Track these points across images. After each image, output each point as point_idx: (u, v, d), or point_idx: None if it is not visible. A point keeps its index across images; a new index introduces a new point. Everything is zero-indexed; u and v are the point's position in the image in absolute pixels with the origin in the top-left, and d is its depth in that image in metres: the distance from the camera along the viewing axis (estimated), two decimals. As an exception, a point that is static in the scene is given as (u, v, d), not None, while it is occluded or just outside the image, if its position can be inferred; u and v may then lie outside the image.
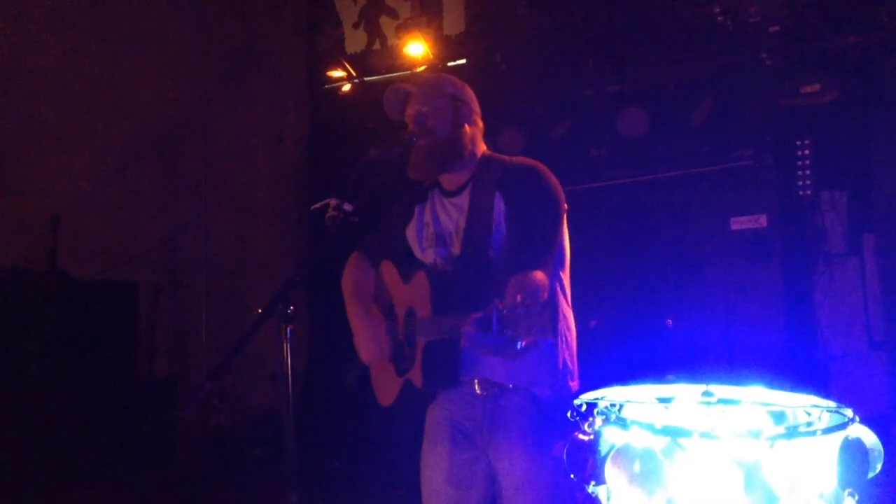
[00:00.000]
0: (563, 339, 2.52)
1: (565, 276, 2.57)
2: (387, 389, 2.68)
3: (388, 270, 2.77)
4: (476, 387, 2.49)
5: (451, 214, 2.58)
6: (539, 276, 2.25)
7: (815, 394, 1.59)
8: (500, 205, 2.46)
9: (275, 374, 2.24)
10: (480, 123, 2.65)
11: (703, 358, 5.02)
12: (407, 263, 2.70)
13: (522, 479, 2.42)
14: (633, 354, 4.73)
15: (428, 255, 2.63)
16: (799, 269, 5.20)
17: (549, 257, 2.37)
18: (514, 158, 2.58)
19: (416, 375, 2.48)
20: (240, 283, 6.82)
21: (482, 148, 2.64)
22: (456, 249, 2.54)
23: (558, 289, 2.53)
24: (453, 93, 2.57)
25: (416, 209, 2.70)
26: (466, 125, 2.57)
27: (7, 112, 5.65)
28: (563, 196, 2.49)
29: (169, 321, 6.45)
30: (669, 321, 5.35)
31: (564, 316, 2.55)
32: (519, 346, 1.92)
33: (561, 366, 2.49)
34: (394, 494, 5.06)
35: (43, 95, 5.84)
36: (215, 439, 6.26)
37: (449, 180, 2.62)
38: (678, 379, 1.68)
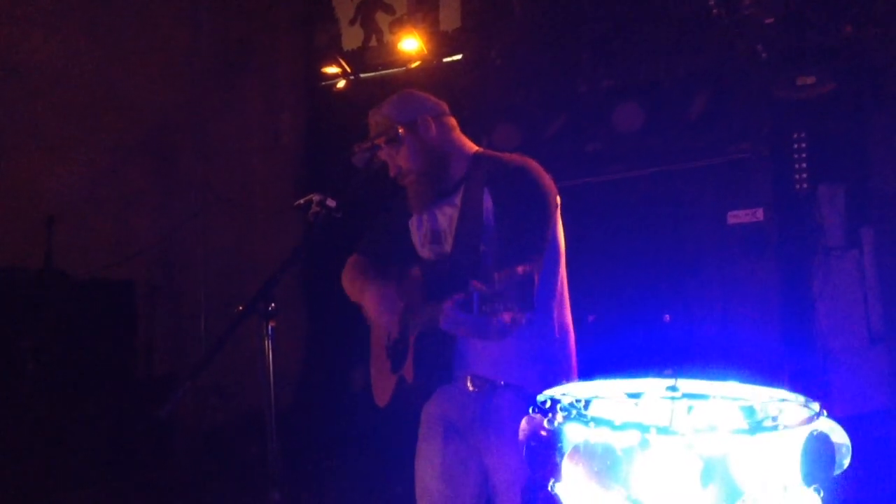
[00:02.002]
0: (560, 335, 2.50)
1: (561, 274, 2.54)
2: (383, 388, 2.66)
3: (387, 266, 2.75)
4: (468, 384, 2.48)
5: (445, 212, 2.57)
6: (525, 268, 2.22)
7: (811, 389, 1.56)
8: (488, 202, 2.44)
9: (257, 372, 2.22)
10: (450, 120, 2.62)
11: (701, 353, 5.00)
12: (406, 261, 2.69)
13: (514, 477, 2.40)
14: (630, 350, 4.72)
15: (424, 252, 2.63)
16: (796, 263, 5.17)
17: (536, 255, 2.33)
18: (505, 155, 2.55)
19: (407, 370, 2.47)
20: (237, 282, 6.81)
21: (468, 144, 2.62)
22: (448, 246, 2.54)
23: (556, 285, 2.51)
24: (406, 119, 2.52)
25: None
26: (433, 139, 2.53)
27: (2, 111, 5.65)
28: (553, 193, 2.45)
29: (166, 320, 6.44)
30: (667, 316, 5.33)
31: (561, 312, 2.53)
32: (501, 323, 1.90)
33: (555, 362, 2.47)
34: (392, 491, 5.05)
35: (38, 94, 5.83)
36: (214, 438, 6.27)
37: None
38: (676, 375, 1.65)
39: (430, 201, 2.57)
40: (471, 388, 2.47)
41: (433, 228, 2.60)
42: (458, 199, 2.53)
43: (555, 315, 2.50)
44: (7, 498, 4.70)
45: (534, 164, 2.47)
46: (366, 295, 2.55)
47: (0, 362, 5.04)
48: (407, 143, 2.50)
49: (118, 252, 6.00)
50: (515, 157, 2.52)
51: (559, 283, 2.53)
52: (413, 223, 2.69)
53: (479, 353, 2.45)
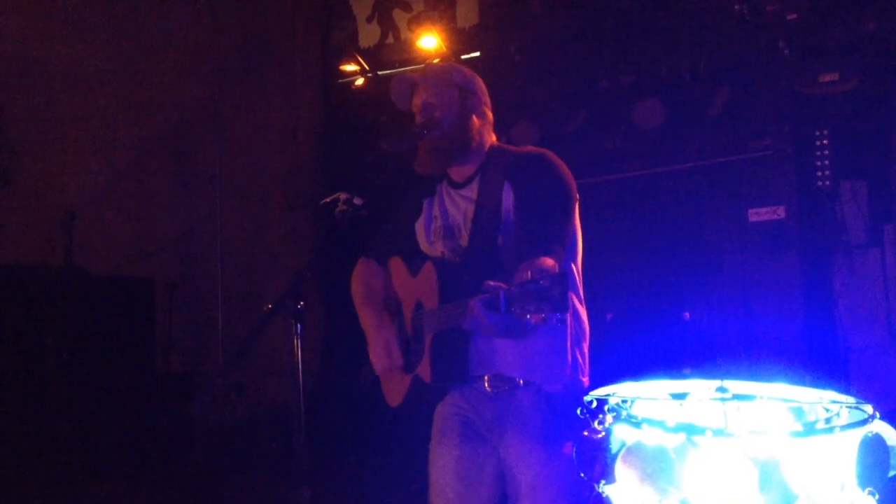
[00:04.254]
0: (574, 334, 2.47)
1: (577, 270, 2.51)
2: (395, 389, 2.64)
3: (397, 265, 2.74)
4: (486, 384, 2.45)
5: (459, 206, 2.55)
6: (549, 261, 2.15)
7: (835, 388, 1.54)
8: (508, 194, 2.41)
9: (284, 369, 2.22)
10: (490, 115, 2.61)
11: (721, 352, 4.96)
12: (416, 258, 2.67)
13: (536, 478, 2.37)
14: (649, 349, 4.69)
15: (436, 249, 2.60)
16: (818, 260, 5.12)
17: (559, 245, 2.29)
18: (523, 148, 2.54)
19: (424, 370, 2.43)
20: (255, 278, 6.84)
21: (491, 139, 2.60)
22: (464, 241, 2.51)
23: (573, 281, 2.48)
24: (461, 83, 2.54)
25: (425, 203, 2.67)
26: (474, 116, 2.53)
27: (23, 109, 5.67)
28: (573, 185, 2.43)
29: (184, 316, 6.46)
30: (686, 315, 5.29)
31: (576, 311, 2.50)
32: (529, 324, 1.88)
33: (571, 361, 2.44)
34: (409, 489, 5.04)
35: (58, 92, 5.86)
36: (233, 433, 6.28)
37: (457, 172, 2.58)
38: (695, 373, 1.63)
39: (441, 165, 2.55)
40: (488, 389, 2.45)
41: (446, 223, 2.58)
42: (473, 193, 2.50)
43: (570, 311, 2.48)
44: (29, 492, 4.73)
45: (554, 156, 2.46)
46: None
47: (21, 358, 5.07)
48: (453, 100, 2.50)
49: (137, 249, 6.03)
50: (535, 149, 2.51)
51: (575, 280, 2.51)
52: (421, 222, 2.66)
53: (497, 352, 2.42)
